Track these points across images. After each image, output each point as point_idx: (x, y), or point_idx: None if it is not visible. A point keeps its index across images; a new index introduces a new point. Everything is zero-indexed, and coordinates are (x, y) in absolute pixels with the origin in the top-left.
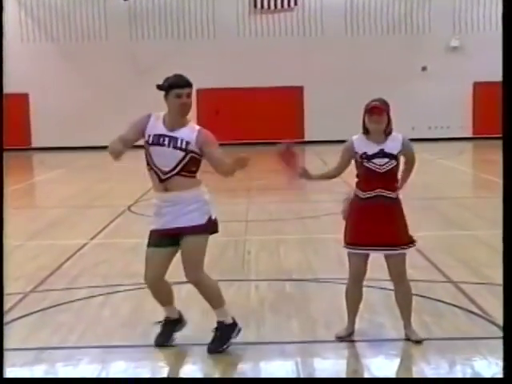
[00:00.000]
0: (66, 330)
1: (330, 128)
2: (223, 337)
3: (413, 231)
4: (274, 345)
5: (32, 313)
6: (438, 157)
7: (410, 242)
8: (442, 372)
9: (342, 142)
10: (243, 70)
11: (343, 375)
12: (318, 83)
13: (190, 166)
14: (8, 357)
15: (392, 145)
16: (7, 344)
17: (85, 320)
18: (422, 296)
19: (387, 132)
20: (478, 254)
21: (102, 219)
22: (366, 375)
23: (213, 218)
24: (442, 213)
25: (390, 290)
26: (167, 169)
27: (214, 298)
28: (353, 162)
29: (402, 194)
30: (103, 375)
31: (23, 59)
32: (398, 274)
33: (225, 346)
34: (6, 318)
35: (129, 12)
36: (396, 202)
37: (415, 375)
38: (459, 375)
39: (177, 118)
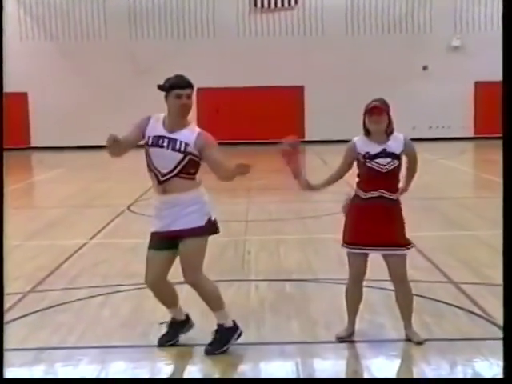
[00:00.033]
0: (65, 330)
1: (331, 128)
2: (222, 340)
3: (413, 231)
4: (274, 345)
5: (31, 313)
6: (439, 157)
7: (407, 243)
8: (443, 373)
9: (343, 141)
10: (243, 70)
11: (343, 376)
12: (319, 83)
13: (188, 168)
14: (7, 357)
15: (394, 145)
16: (6, 344)
17: (84, 320)
18: (422, 296)
19: (388, 132)
20: (479, 254)
21: (101, 219)
22: (366, 376)
23: (212, 218)
24: (442, 213)
25: (391, 290)
26: (166, 170)
27: (212, 300)
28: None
29: (402, 195)
30: (103, 375)
31: (22, 58)
32: (398, 276)
33: (223, 349)
34: (5, 318)
35: (128, 11)
36: (396, 203)
37: (416, 376)
38: (460, 376)
39: (177, 119)
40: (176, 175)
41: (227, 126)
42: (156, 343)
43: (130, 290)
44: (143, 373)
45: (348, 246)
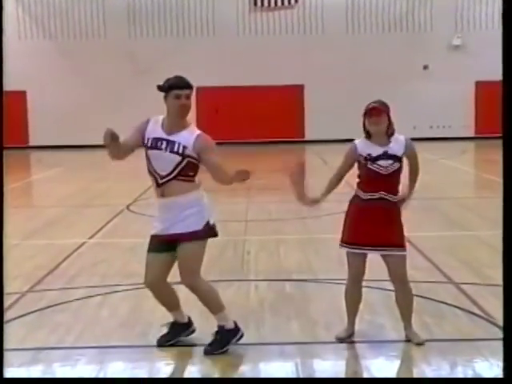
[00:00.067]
0: (63, 330)
1: (331, 127)
2: (223, 341)
3: (414, 231)
4: (274, 345)
5: (29, 313)
6: (440, 156)
7: (404, 245)
8: (443, 373)
9: (343, 141)
10: (243, 69)
11: (343, 376)
12: (319, 82)
13: (187, 171)
14: (5, 357)
15: (396, 146)
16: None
17: (83, 320)
18: (423, 297)
19: (389, 133)
20: (480, 254)
21: (100, 218)
22: (366, 376)
23: (211, 222)
24: (443, 213)
25: (391, 290)
26: (164, 173)
27: (211, 303)
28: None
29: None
30: (101, 376)
31: (21, 57)
32: (398, 277)
33: (222, 350)
34: (4, 318)
35: (128, 10)
36: (395, 205)
37: (416, 377)
38: (460, 377)
39: (175, 120)
40: (174, 177)
41: (227, 125)
42: (155, 343)
43: (128, 289)
44: (142, 373)
45: (347, 245)
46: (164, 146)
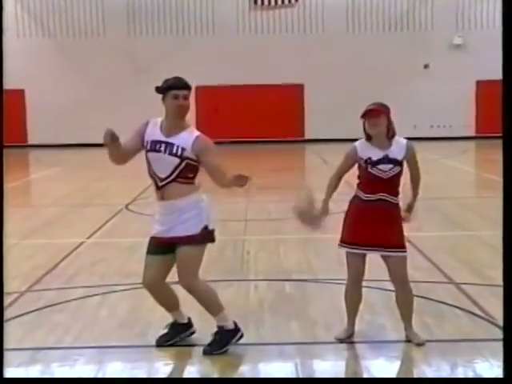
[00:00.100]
0: (62, 329)
1: (331, 126)
2: (222, 341)
3: (414, 231)
4: (273, 346)
5: (28, 312)
6: (441, 156)
7: (404, 246)
8: (444, 374)
9: (343, 140)
10: (243, 68)
11: (343, 377)
12: (319, 81)
13: (186, 173)
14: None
15: (396, 150)
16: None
17: (81, 320)
18: (423, 297)
19: (390, 135)
20: (481, 254)
21: (98, 218)
22: (366, 377)
23: (210, 227)
24: (444, 213)
25: (391, 290)
26: (164, 175)
27: (210, 304)
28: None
29: (403, 194)
30: (100, 376)
31: (19, 55)
32: (399, 277)
33: (221, 350)
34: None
35: (127, 8)
36: (396, 206)
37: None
38: (460, 377)
39: (174, 121)
40: (174, 180)
41: (226, 124)
42: (154, 343)
43: (127, 289)
44: (141, 373)
45: (346, 245)
46: (163, 148)
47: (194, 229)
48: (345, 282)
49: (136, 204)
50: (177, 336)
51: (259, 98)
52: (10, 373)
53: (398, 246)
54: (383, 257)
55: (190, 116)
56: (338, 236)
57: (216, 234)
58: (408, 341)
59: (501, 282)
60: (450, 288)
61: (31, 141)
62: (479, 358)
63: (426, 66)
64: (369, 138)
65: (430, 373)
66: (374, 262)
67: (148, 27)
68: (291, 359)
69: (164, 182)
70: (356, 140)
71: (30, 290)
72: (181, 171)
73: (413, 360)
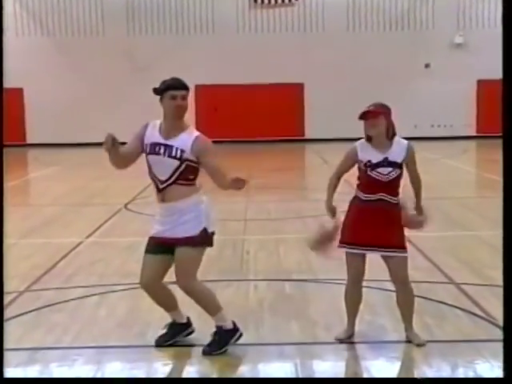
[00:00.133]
0: (60, 329)
1: (331, 126)
2: (221, 341)
3: (415, 231)
4: (273, 346)
5: (26, 312)
6: (441, 156)
7: (405, 246)
8: (444, 375)
9: (343, 140)
10: (243, 67)
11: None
12: (319, 80)
13: (186, 174)
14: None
15: (397, 151)
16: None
17: (80, 320)
18: (423, 297)
19: (390, 136)
20: (482, 254)
21: (97, 217)
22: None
23: (209, 230)
24: (444, 213)
25: (391, 290)
26: (164, 178)
27: (208, 305)
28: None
29: (403, 194)
30: (99, 376)
31: (18, 53)
32: (399, 278)
33: (221, 350)
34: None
35: (126, 6)
36: (395, 206)
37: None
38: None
39: (172, 123)
40: (174, 182)
41: (226, 123)
42: (153, 343)
43: (126, 289)
44: (140, 373)
45: (346, 245)
46: (162, 151)
47: (193, 230)
48: (345, 282)
49: (135, 203)
50: (176, 336)
51: (259, 97)
52: (8, 373)
53: (399, 247)
54: (384, 257)
55: (190, 115)
56: (339, 236)
57: (215, 234)
58: (408, 341)
59: (501, 283)
60: (450, 288)
61: (30, 140)
62: (480, 359)
63: (426, 66)
64: (369, 138)
65: (430, 373)
66: (374, 262)
67: (147, 26)
68: (291, 359)
69: (164, 185)
70: (356, 140)
71: (28, 290)
72: (181, 173)
73: (413, 361)
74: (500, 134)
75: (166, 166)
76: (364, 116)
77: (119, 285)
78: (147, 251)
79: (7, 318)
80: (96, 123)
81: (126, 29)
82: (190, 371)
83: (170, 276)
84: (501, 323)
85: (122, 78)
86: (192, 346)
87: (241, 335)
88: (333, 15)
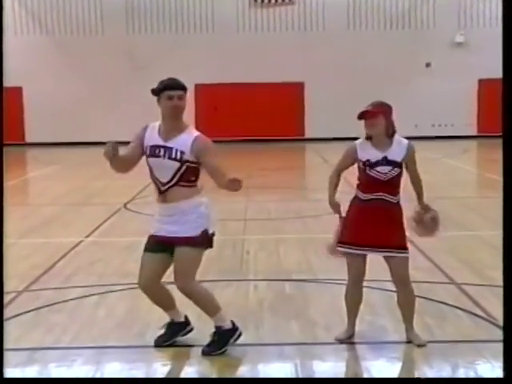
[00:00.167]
0: (59, 330)
1: (332, 125)
2: (221, 341)
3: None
4: (273, 346)
5: (25, 312)
6: (442, 155)
7: (406, 247)
8: (445, 375)
9: (343, 139)
10: (243, 66)
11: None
12: (320, 79)
13: (188, 176)
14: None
15: (397, 150)
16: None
17: (79, 320)
18: (424, 298)
19: (389, 134)
20: (482, 255)
21: (97, 217)
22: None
23: (209, 232)
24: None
25: (392, 291)
26: (165, 180)
27: (207, 306)
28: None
29: (404, 194)
30: (98, 376)
31: (17, 52)
32: (400, 278)
33: (220, 351)
34: None
35: (126, 5)
36: (396, 205)
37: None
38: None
39: (170, 123)
40: (176, 184)
41: (226, 123)
42: (152, 344)
43: (125, 289)
44: (139, 374)
45: (346, 246)
46: (162, 153)
47: (193, 231)
48: (345, 282)
49: (134, 203)
50: (175, 335)
51: (259, 96)
52: (7, 373)
53: (400, 247)
54: (385, 257)
55: (189, 114)
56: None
57: (215, 234)
58: (409, 342)
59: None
60: (451, 288)
61: (29, 139)
62: (480, 360)
63: (427, 65)
64: (369, 137)
65: (431, 374)
66: (375, 262)
67: (147, 25)
68: (291, 360)
69: (166, 187)
70: (357, 139)
71: (27, 290)
72: (182, 175)
73: (414, 361)
74: (501, 134)
75: (166, 169)
76: (362, 116)
77: (118, 285)
78: (146, 249)
79: (6, 317)
80: (95, 122)
81: (125, 28)
82: (189, 372)
83: (169, 276)
84: (501, 323)
85: (121, 77)
86: (191, 346)
87: (240, 334)
88: (333, 14)
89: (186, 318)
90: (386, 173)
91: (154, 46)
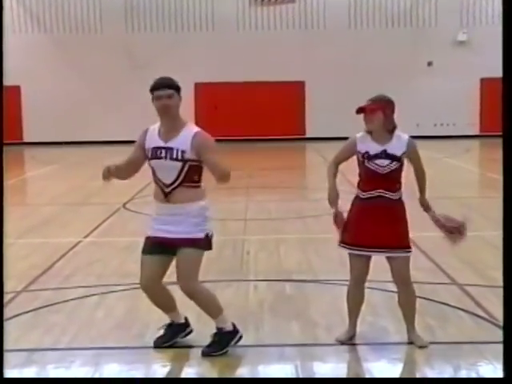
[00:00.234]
0: (58, 330)
1: (332, 124)
2: (221, 343)
3: (417, 231)
4: (273, 347)
5: (23, 313)
6: (444, 155)
7: (410, 245)
8: (446, 377)
9: (344, 139)
10: (243, 64)
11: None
12: (320, 78)
13: (191, 175)
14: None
15: (397, 145)
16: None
17: (78, 321)
18: (426, 298)
19: (389, 129)
20: (484, 255)
21: (95, 217)
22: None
23: (209, 235)
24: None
25: (393, 291)
26: (169, 181)
27: (210, 307)
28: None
29: (405, 194)
30: (96, 377)
31: (15, 50)
32: (401, 278)
33: (221, 352)
34: None
35: (125, 3)
36: (397, 203)
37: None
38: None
39: (167, 123)
40: (180, 185)
41: (226, 122)
42: (152, 345)
43: (125, 290)
44: (138, 375)
45: (349, 246)
46: (163, 154)
47: (199, 233)
48: (346, 282)
49: (134, 203)
50: (175, 337)
51: (259, 95)
52: (6, 374)
53: (402, 246)
54: (386, 257)
55: (189, 114)
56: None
57: (215, 234)
58: (410, 343)
59: None
60: (453, 289)
61: (27, 138)
62: (482, 361)
63: (429, 64)
64: (369, 131)
65: (432, 375)
66: (376, 262)
67: (146, 23)
68: (291, 361)
69: (170, 188)
70: None
71: (25, 290)
72: (185, 175)
73: (415, 362)
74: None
75: (169, 170)
76: (361, 111)
77: (117, 285)
78: (144, 252)
79: (5, 318)
80: (94, 121)
81: (124, 26)
82: (189, 373)
83: (169, 277)
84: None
85: (120, 76)
86: (191, 347)
87: (241, 337)
88: (334, 12)
89: (185, 319)
90: (385, 166)
91: (154, 44)
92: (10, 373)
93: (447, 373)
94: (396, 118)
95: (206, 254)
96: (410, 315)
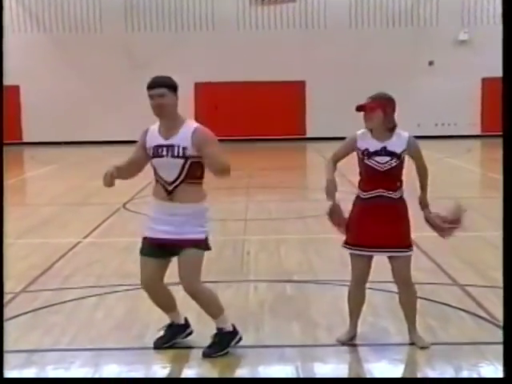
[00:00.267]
0: (57, 331)
1: (333, 124)
2: (222, 343)
3: (418, 231)
4: (274, 348)
5: (23, 313)
6: (445, 155)
7: (411, 244)
8: (448, 377)
9: (345, 138)
10: (243, 64)
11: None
12: (321, 78)
13: (194, 172)
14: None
15: (397, 142)
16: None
17: (77, 321)
18: (427, 299)
19: (389, 127)
20: (486, 256)
21: (95, 217)
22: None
23: (209, 237)
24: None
25: (394, 292)
26: (171, 179)
27: (211, 308)
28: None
29: (406, 194)
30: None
31: (14, 50)
32: (402, 278)
33: (221, 353)
34: None
35: (125, 2)
36: (398, 201)
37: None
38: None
39: (165, 122)
40: (183, 181)
41: (226, 121)
42: (152, 345)
43: (124, 290)
44: (138, 375)
45: (351, 247)
46: (165, 152)
47: (201, 234)
48: (347, 283)
49: (133, 203)
50: (175, 337)
51: (260, 95)
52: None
53: (403, 246)
54: (389, 257)
55: (190, 113)
56: (340, 236)
57: (215, 234)
58: (412, 344)
59: None
60: (454, 290)
61: (26, 138)
62: (484, 362)
63: (430, 63)
64: (369, 129)
65: (433, 376)
66: (378, 262)
67: (146, 22)
68: (292, 362)
69: (173, 186)
70: None
71: (25, 291)
72: (188, 172)
73: (416, 363)
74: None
75: (171, 167)
76: (360, 109)
77: (117, 286)
78: (143, 253)
79: (4, 318)
80: (94, 121)
81: (124, 25)
82: (189, 374)
83: (169, 277)
84: None
85: (120, 76)
86: (191, 348)
87: (240, 338)
88: (335, 12)
89: (186, 320)
90: (385, 163)
91: (154, 44)
92: (9, 373)
93: (448, 373)
94: (397, 117)
95: (206, 254)
96: (411, 315)
